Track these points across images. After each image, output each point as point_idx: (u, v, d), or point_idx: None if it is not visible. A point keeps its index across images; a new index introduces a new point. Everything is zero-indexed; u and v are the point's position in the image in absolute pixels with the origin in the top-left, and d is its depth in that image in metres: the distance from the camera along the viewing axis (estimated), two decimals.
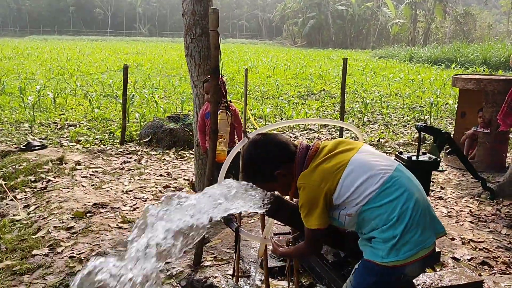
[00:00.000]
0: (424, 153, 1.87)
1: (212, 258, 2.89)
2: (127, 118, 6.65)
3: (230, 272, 2.70)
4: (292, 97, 11.26)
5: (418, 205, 1.66)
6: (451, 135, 1.89)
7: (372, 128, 7.95)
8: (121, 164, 5.41)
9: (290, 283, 2.45)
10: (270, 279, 2.42)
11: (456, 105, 6.35)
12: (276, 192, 1.93)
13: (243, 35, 62.64)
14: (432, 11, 36.43)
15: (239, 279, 2.58)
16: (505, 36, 31.16)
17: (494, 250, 3.25)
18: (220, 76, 2.66)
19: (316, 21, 44.41)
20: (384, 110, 9.13)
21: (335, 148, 1.75)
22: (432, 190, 4.62)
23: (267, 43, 54.31)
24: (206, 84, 3.46)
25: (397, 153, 1.88)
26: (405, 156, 1.84)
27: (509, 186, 4.39)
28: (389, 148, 6.36)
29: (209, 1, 3.86)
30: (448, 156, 1.66)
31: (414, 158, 1.81)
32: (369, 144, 6.60)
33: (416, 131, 1.91)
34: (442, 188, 4.70)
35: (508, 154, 5.47)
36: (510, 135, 5.48)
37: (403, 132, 7.51)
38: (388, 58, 25.56)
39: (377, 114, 9.22)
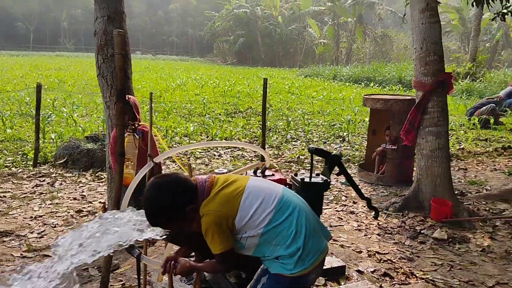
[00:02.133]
0: (317, 175, 1.97)
1: (120, 286, 2.80)
2: (42, 139, 6.30)
3: None
4: (219, 114, 11.33)
5: (308, 217, 1.85)
6: (341, 158, 2.01)
7: (295, 145, 8.19)
8: (32, 187, 5.10)
9: None
10: None
11: (368, 124, 6.73)
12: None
13: (174, 52, 62.05)
14: (353, 32, 38.61)
15: None
16: None
17: (397, 261, 3.47)
18: (128, 97, 2.63)
19: (246, 40, 45.20)
20: (307, 127, 9.46)
21: (230, 178, 1.87)
22: (345, 205, 4.86)
23: (198, 60, 54.27)
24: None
25: (292, 174, 1.97)
26: (299, 178, 1.93)
27: (414, 200, 4.74)
28: (308, 165, 6.59)
29: (122, 21, 3.80)
30: (337, 176, 1.78)
31: (307, 179, 1.91)
32: (290, 161, 6.83)
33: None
34: (354, 202, 4.95)
35: (414, 169, 5.89)
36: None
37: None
38: (313, 77, 26.57)
39: (299, 131, 9.52)
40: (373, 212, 2.14)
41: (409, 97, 5.67)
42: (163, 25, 64.70)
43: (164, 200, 1.77)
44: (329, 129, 9.63)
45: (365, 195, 2.11)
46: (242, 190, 1.80)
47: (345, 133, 9.06)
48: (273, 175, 2.76)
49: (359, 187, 5.47)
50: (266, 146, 7.79)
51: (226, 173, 2.69)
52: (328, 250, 1.95)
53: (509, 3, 7.31)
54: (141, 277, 2.30)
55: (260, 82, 21.51)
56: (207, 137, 8.61)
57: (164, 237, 1.83)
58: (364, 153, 6.59)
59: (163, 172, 4.09)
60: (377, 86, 19.79)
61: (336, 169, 2.04)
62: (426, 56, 4.58)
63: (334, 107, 12.79)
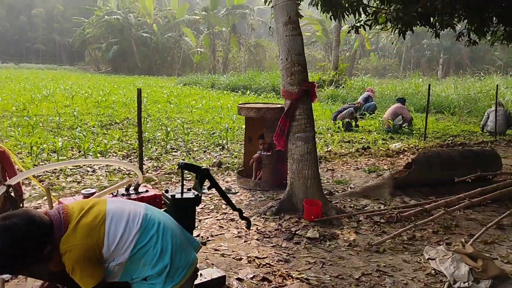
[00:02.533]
0: (189, 190, 1.96)
1: None
2: None
3: None
4: (93, 127, 10.67)
5: (174, 233, 1.82)
6: (210, 171, 2.02)
7: (175, 155, 8.07)
8: None
9: None
10: None
11: (244, 131, 6.92)
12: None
13: (40, 60, 56.79)
14: (228, 41, 39.63)
15: None
16: None
17: (275, 264, 3.61)
18: None
19: (120, 47, 43.44)
20: (186, 137, 9.40)
21: (85, 205, 1.74)
22: (226, 213, 4.92)
23: (68, 68, 50.56)
24: None
25: (163, 191, 1.92)
26: (169, 194, 1.89)
27: (288, 202, 5.00)
28: (188, 175, 6.54)
29: None
30: (208, 190, 1.81)
31: (177, 196, 1.88)
32: (170, 172, 6.70)
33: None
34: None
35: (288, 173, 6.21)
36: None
37: (202, 158, 7.84)
38: (192, 85, 26.61)
39: (179, 141, 9.42)
40: (245, 223, 2.19)
41: (280, 105, 5.98)
42: (27, 31, 58.85)
43: (16, 246, 1.53)
44: (209, 138, 9.69)
45: (237, 206, 2.15)
46: (103, 216, 1.70)
47: (224, 141, 9.20)
48: (147, 191, 2.67)
49: (238, 194, 5.62)
50: (145, 158, 7.55)
51: (94, 193, 2.53)
52: (197, 260, 1.95)
53: (361, 17, 8.19)
54: None
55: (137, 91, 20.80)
56: (79, 152, 8.03)
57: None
58: (242, 160, 6.77)
59: (23, 196, 3.68)
60: (253, 94, 20.55)
61: (207, 182, 2.05)
62: (291, 66, 4.88)
63: (213, 115, 12.94)
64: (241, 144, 8.98)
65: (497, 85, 11.79)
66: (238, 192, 5.76)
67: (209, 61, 40.68)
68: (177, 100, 17.06)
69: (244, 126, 10.33)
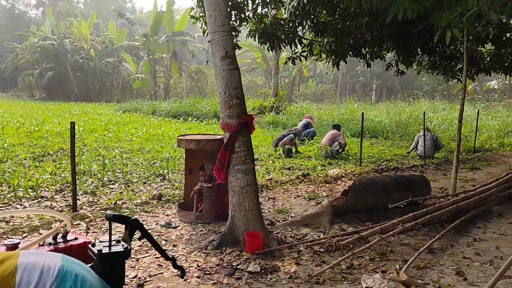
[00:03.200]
0: (118, 242, 1.89)
1: None
2: None
3: None
4: (24, 159, 10.06)
5: (92, 284, 1.70)
6: (140, 221, 1.96)
7: (112, 188, 7.79)
8: None
9: None
10: None
11: (184, 163, 6.84)
12: None
13: None
14: (169, 68, 39.43)
15: None
16: None
17: None
18: None
19: (55, 73, 41.79)
20: (125, 168, 9.11)
21: None
22: (165, 250, 4.78)
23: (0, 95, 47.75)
24: None
25: (90, 245, 1.83)
26: (95, 249, 1.81)
27: (230, 235, 4.96)
28: (126, 210, 6.32)
29: None
30: (139, 240, 1.74)
31: (105, 250, 1.80)
32: (107, 208, 6.44)
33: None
34: (174, 245, 4.92)
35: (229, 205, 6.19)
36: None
37: (142, 190, 7.63)
38: (132, 112, 26.03)
39: (118, 172, 9.11)
40: (180, 272, 2.14)
41: (219, 137, 5.99)
42: None
43: None
44: (149, 168, 9.46)
45: (170, 255, 2.10)
46: (14, 269, 1.59)
47: (165, 171, 9.03)
48: (76, 239, 2.54)
49: (178, 228, 5.50)
50: (79, 192, 7.22)
51: (19, 243, 2.37)
52: None
53: (297, 48, 8.49)
54: None
55: (73, 119, 20.01)
56: (9, 187, 7.52)
57: None
58: (183, 191, 6.66)
59: None
60: (195, 120, 20.46)
61: (137, 234, 1.98)
62: (229, 100, 4.93)
63: (154, 144, 12.68)
64: (182, 174, 8.85)
65: (424, 112, 12.59)
66: (178, 226, 5.64)
67: (150, 87, 40.14)
68: (116, 128, 16.58)
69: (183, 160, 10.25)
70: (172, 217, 5.99)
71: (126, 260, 1.87)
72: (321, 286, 3.92)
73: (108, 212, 1.92)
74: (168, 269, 4.26)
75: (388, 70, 10.39)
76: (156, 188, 7.87)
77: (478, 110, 16.05)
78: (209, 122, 18.99)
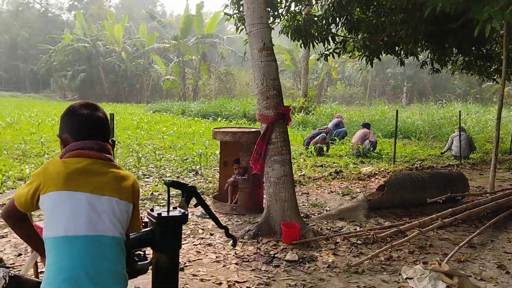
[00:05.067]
0: (174, 208, 1.94)
1: None
2: None
3: None
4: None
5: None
6: (197, 189, 2.01)
7: (147, 181, 7.94)
8: None
9: None
10: None
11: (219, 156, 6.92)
12: (12, 272, 1.68)
13: (2, 88, 55.17)
14: (198, 69, 39.89)
15: None
16: None
17: (255, 287, 3.57)
18: None
19: (87, 75, 42.95)
20: (159, 163, 9.28)
21: None
22: (203, 238, 4.85)
23: (33, 96, 49.33)
24: None
25: (149, 210, 1.89)
26: (155, 213, 1.86)
27: (266, 226, 4.98)
28: (162, 201, 6.43)
29: None
30: (195, 208, 1.79)
31: (164, 214, 1.86)
32: (143, 198, 6.56)
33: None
34: (211, 234, 4.97)
35: (264, 197, 6.20)
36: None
37: None
38: (162, 112, 26.46)
39: (151, 167, 9.29)
40: (231, 241, 2.17)
41: (255, 129, 6.03)
42: None
43: None
44: (181, 163, 9.60)
45: (223, 224, 2.14)
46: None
47: (197, 167, 9.14)
48: None
49: None
50: None
51: None
52: None
53: (330, 45, 8.46)
54: None
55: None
56: None
57: None
58: (218, 184, 6.72)
59: None
60: (224, 120, 20.63)
61: (194, 200, 2.03)
62: (266, 91, 4.96)
63: (185, 141, 12.86)
64: (215, 169, 8.94)
65: (460, 111, 12.30)
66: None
67: (179, 88, 40.70)
68: (148, 127, 16.90)
69: (217, 152, 10.35)
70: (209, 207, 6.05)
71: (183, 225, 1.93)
72: (360, 276, 3.89)
73: (167, 179, 1.98)
74: (207, 255, 4.32)
75: (423, 68, 10.21)
76: (189, 182, 7.97)
77: None
78: (238, 122, 19.09)
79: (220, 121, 20.36)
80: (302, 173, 8.61)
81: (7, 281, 1.55)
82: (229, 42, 45.91)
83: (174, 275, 1.89)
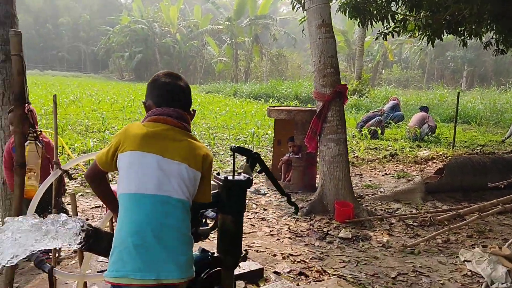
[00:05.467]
0: (239, 173, 2.00)
1: None
2: None
3: None
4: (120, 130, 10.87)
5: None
6: (260, 156, 2.06)
7: None
8: None
9: None
10: None
11: (273, 135, 6.97)
12: (91, 224, 1.81)
13: (65, 68, 58.08)
14: (250, 51, 39.89)
15: None
16: (311, 75, 35.96)
17: (309, 261, 3.62)
18: (27, 104, 2.41)
19: (144, 56, 44.23)
20: (212, 141, 9.49)
21: None
22: (256, 212, 4.95)
23: (92, 76, 51.63)
24: (11, 115, 3.10)
25: (215, 174, 1.96)
26: (221, 176, 1.93)
27: (319, 204, 5.00)
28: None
29: (14, 25, 3.52)
30: (259, 174, 1.82)
31: (230, 177, 1.93)
32: None
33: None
34: (264, 209, 5.07)
35: (317, 176, 6.21)
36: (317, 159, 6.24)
37: (229, 161, 7.90)
38: (214, 93, 26.85)
39: (205, 145, 9.50)
40: (293, 208, 2.22)
41: (310, 108, 6.00)
42: (52, 39, 60.33)
43: None
44: (234, 142, 9.76)
45: (283, 193, 2.18)
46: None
47: (250, 146, 9.25)
48: None
49: (267, 195, 5.64)
50: None
51: None
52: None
53: (389, 24, 8.18)
54: None
55: None
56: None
57: (81, 246, 1.68)
58: (271, 163, 6.79)
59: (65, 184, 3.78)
60: (276, 101, 20.62)
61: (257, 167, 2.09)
62: (324, 69, 4.91)
63: (237, 121, 13.02)
64: (267, 148, 9.01)
65: None
66: (267, 193, 5.79)
67: (231, 70, 40.99)
68: (201, 107, 17.24)
69: (269, 132, 10.42)
70: (260, 185, 6.15)
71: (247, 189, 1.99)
72: (416, 257, 3.83)
73: (232, 144, 2.04)
74: (261, 229, 4.41)
75: (486, 49, 9.64)
76: (242, 159, 8.10)
77: None
78: (289, 104, 19.02)
79: (271, 102, 20.37)
80: (355, 155, 8.49)
81: (88, 232, 1.68)
82: (282, 23, 45.45)
83: (239, 237, 1.97)
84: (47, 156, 2.92)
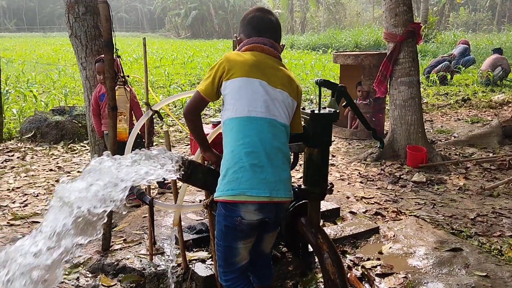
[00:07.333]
0: (324, 108, 2.01)
1: (122, 241, 2.77)
2: (3, 115, 5.98)
3: (143, 252, 2.62)
4: (183, 85, 11.13)
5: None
6: (346, 89, 2.05)
7: None
8: (1, 163, 4.87)
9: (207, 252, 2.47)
10: (186, 251, 2.41)
11: (338, 81, 6.83)
12: (190, 157, 1.93)
13: (123, 28, 59.49)
14: (306, 1, 38.60)
15: (154, 256, 2.52)
16: (371, 22, 34.34)
17: (383, 203, 3.62)
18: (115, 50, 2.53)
19: (199, 12, 44.23)
20: None
21: None
22: None
23: (150, 35, 52.53)
24: (98, 65, 3.27)
25: (301, 107, 1.98)
26: (308, 110, 1.96)
27: (389, 149, 4.92)
28: None
29: None
30: (344, 108, 1.82)
31: (316, 111, 1.94)
32: None
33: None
34: (333, 156, 5.07)
35: (385, 122, 6.07)
36: (385, 105, 6.08)
37: None
38: None
39: None
40: (379, 143, 2.22)
41: (378, 52, 5.79)
42: (110, 0, 61.69)
43: None
44: None
45: (369, 128, 2.17)
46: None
47: (312, 96, 9.17)
48: None
49: (334, 142, 5.62)
50: None
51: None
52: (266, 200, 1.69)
53: None
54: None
55: (219, 53, 21.25)
56: (175, 107, 8.47)
57: (181, 176, 1.80)
58: None
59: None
60: (335, 52, 20.03)
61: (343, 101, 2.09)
62: (395, 7, 4.67)
63: (297, 72, 12.86)
64: (329, 98, 8.87)
65: None
66: (334, 140, 5.77)
67: (287, 22, 40.06)
68: None
69: (332, 81, 10.20)
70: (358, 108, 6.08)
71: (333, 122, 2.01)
72: (495, 199, 3.71)
73: (318, 78, 2.04)
74: (331, 174, 4.44)
75: None
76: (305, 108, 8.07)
77: None
78: None
79: (330, 53, 19.81)
80: (424, 101, 8.15)
81: (185, 164, 1.79)
82: None
83: (326, 169, 2.01)
84: (134, 100, 3.08)
